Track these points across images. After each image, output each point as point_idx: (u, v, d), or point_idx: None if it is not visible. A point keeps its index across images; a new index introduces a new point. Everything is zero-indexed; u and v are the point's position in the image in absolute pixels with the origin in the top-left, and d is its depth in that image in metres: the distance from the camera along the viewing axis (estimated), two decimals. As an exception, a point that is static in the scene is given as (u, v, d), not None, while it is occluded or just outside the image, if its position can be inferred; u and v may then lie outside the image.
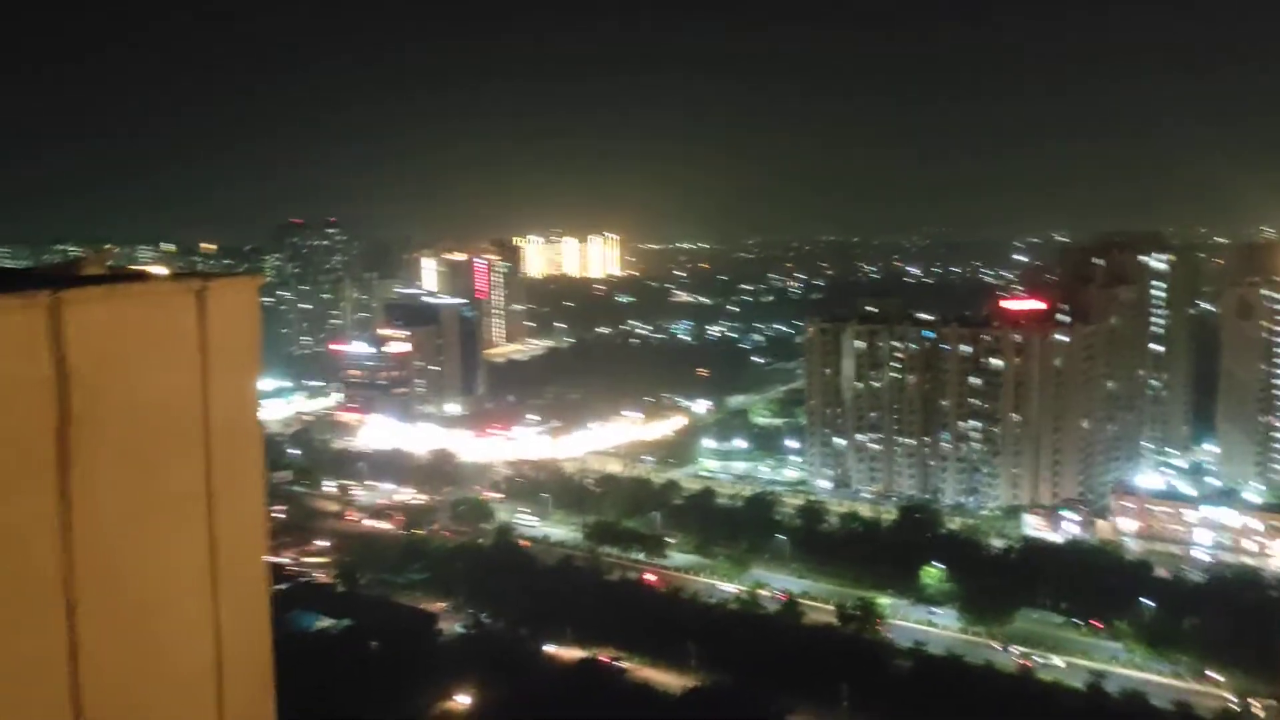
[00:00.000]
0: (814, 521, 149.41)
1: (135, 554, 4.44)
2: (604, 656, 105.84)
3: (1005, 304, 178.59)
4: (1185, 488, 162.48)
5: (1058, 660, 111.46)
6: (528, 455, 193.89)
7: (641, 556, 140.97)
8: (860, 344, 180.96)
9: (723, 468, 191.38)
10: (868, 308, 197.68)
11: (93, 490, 4.27)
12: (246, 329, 4.97)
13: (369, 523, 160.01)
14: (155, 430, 4.51)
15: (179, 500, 4.65)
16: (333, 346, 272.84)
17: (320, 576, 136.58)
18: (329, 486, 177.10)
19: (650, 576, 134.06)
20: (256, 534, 5.03)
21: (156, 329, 4.60)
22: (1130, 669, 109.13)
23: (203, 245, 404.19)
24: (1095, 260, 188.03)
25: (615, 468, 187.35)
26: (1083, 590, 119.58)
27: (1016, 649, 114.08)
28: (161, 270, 5.30)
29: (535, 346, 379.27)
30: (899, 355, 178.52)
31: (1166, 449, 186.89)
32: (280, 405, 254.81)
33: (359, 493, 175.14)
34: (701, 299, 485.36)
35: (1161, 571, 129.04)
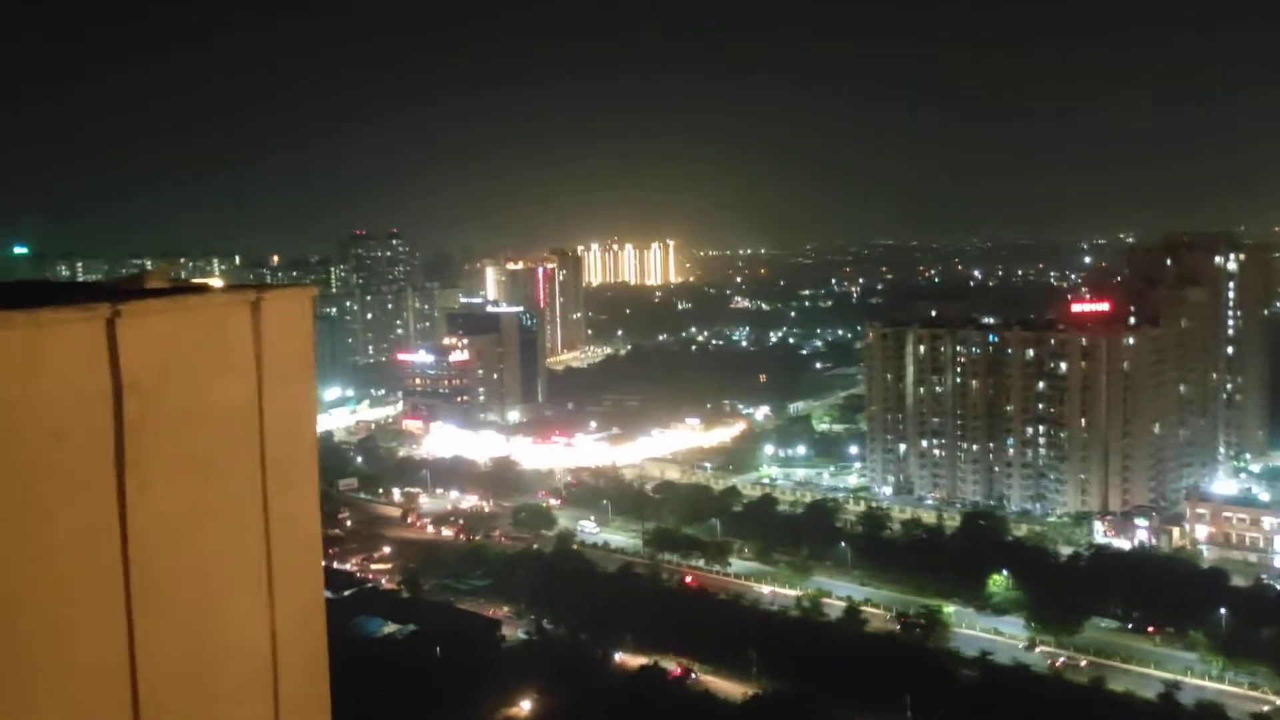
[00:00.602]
0: (876, 528, 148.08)
1: (191, 557, 4.52)
2: (670, 664, 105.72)
3: (1071, 307, 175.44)
4: (1262, 494, 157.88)
5: (1126, 670, 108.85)
6: (587, 462, 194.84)
7: (701, 563, 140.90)
8: (922, 348, 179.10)
9: (783, 474, 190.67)
10: (929, 312, 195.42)
11: (149, 495, 4.34)
12: (301, 338, 5.09)
13: (432, 529, 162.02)
14: (211, 437, 4.60)
15: (234, 504, 4.71)
16: (397, 356, 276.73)
17: (385, 582, 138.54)
18: (394, 494, 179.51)
19: (698, 581, 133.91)
20: (311, 537, 5.13)
21: (212, 339, 4.70)
22: (1206, 680, 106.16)
23: (272, 257, 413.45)
24: (1164, 261, 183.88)
25: (674, 474, 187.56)
26: (1155, 599, 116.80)
27: (1083, 658, 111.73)
28: (219, 283, 5.47)
29: (594, 354, 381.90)
30: (962, 360, 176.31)
31: (1243, 454, 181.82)
32: (345, 414, 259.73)
33: (422, 499, 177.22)
34: (761, 304, 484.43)
35: (1238, 580, 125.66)
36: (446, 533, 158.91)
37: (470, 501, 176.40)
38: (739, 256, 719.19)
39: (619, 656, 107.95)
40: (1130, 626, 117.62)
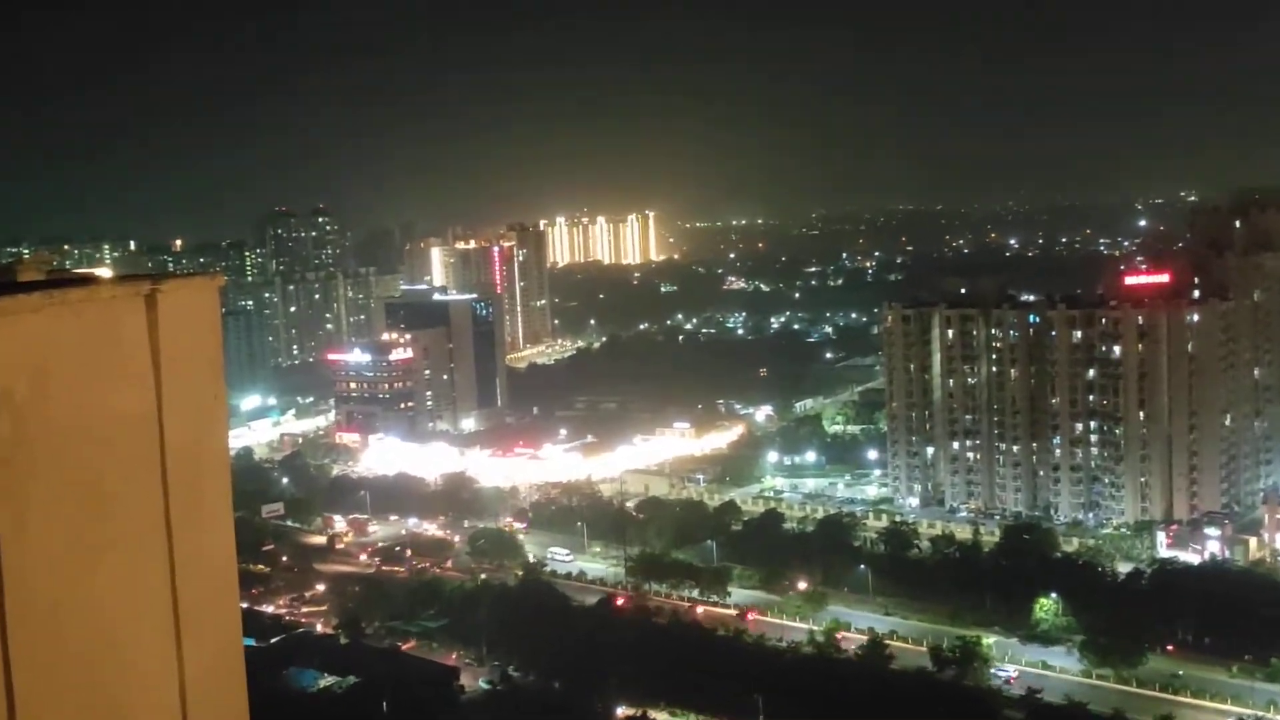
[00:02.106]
0: (901, 547, 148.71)
1: (81, 603, 4.41)
2: (660, 715, 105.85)
3: (1124, 279, 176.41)
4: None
5: (1198, 706, 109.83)
6: (557, 477, 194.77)
7: (696, 593, 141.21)
8: (951, 333, 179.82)
9: (790, 486, 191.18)
10: (958, 289, 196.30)
11: (27, 530, 4.22)
12: (207, 336, 5.03)
13: (375, 561, 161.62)
14: (101, 457, 4.53)
15: (133, 537, 4.67)
16: (327, 355, 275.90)
17: (320, 626, 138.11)
18: (334, 521, 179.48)
19: (692, 615, 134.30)
20: (226, 574, 5.09)
21: (100, 340, 4.63)
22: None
23: (174, 242, 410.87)
24: (1232, 223, 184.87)
25: (661, 489, 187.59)
26: (1231, 621, 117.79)
27: (1148, 693, 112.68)
28: (109, 273, 5.39)
29: (563, 348, 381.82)
30: (998, 345, 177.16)
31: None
32: (266, 426, 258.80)
33: (372, 527, 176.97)
34: (759, 285, 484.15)
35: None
36: (393, 565, 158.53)
37: (419, 527, 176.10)
38: (732, 229, 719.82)
39: (599, 708, 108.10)
40: (1202, 655, 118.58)
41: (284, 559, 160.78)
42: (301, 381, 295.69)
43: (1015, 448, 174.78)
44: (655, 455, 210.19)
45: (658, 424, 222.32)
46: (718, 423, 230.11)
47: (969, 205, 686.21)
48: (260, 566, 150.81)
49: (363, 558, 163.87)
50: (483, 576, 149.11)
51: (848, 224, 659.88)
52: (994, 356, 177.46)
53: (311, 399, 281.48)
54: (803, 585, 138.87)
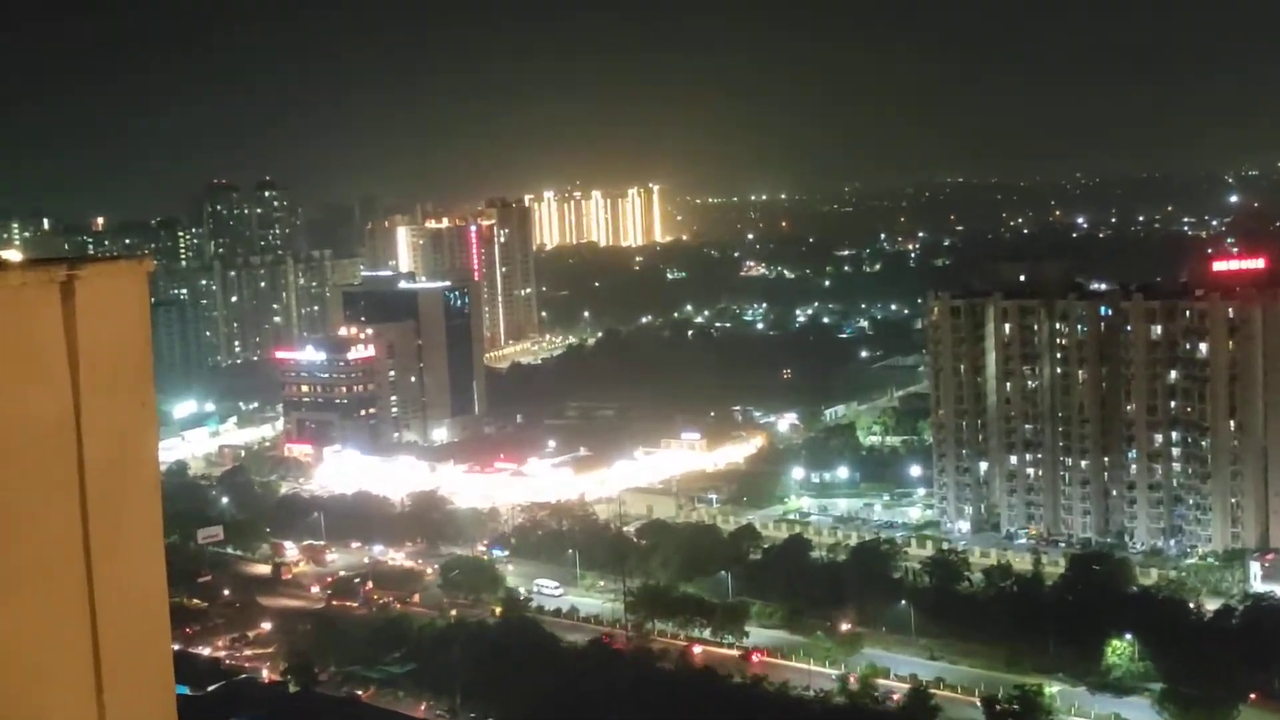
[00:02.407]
0: (949, 579, 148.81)
1: None
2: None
3: (1212, 264, 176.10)
4: None
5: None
6: (545, 496, 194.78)
7: (707, 633, 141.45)
8: (1008, 328, 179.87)
9: (818, 507, 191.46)
10: (1017, 276, 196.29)
11: None
12: (132, 331, 5.00)
13: (329, 596, 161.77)
14: (7, 474, 4.52)
15: (44, 568, 4.64)
16: (275, 354, 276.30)
17: (266, 672, 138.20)
18: (285, 549, 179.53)
19: (702, 658, 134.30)
20: (155, 610, 5.06)
21: (6, 335, 4.61)
22: None
23: (95, 220, 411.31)
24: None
25: (667, 510, 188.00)
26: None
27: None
28: (17, 256, 5.38)
29: (551, 344, 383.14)
30: (1063, 342, 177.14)
31: None
32: (203, 437, 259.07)
33: (318, 555, 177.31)
34: (782, 271, 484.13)
35: None
36: (351, 601, 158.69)
37: (384, 555, 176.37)
38: (751, 205, 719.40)
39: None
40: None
41: (224, 592, 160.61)
42: (244, 384, 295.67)
43: (1084, 463, 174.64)
44: (660, 471, 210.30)
45: (663, 434, 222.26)
46: (733, 433, 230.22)
47: (1029, 177, 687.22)
48: (195, 601, 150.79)
49: (315, 590, 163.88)
50: (456, 613, 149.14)
51: (886, 199, 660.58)
52: (1059, 355, 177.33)
53: (256, 405, 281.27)
54: (834, 624, 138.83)
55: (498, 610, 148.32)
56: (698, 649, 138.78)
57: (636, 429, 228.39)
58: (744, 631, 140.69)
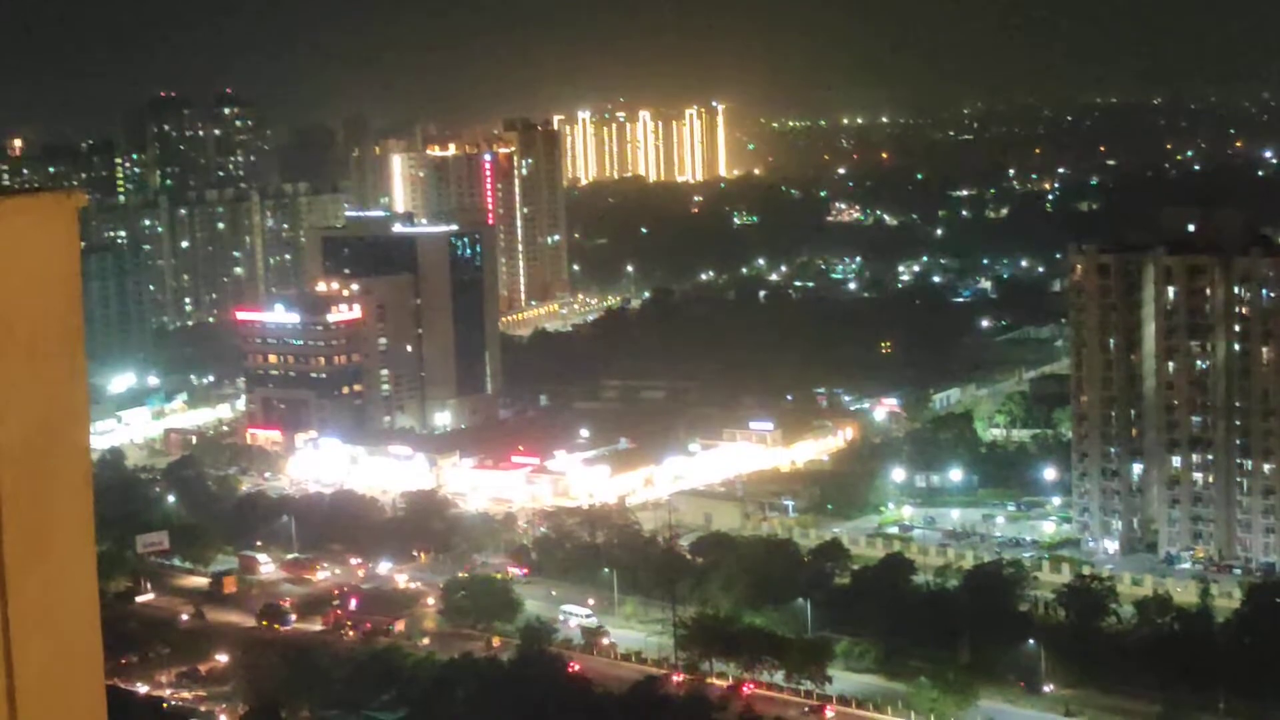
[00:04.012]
0: (1090, 614, 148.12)
1: None
2: None
3: None
4: None
5: None
6: (573, 499, 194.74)
7: (780, 678, 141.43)
8: (1172, 291, 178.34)
9: (924, 519, 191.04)
10: (1184, 224, 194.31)
11: None
12: (57, 284, 5.00)
13: (299, 622, 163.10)
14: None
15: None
16: (236, 315, 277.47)
17: (221, 715, 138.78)
18: (247, 562, 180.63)
19: (773, 707, 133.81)
20: (83, 637, 5.10)
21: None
22: None
23: (12, 142, 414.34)
24: None
25: (730, 520, 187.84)
26: None
27: None
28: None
29: (584, 307, 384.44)
30: (1243, 310, 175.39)
31: None
32: (144, 418, 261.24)
33: (302, 570, 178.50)
34: (881, 215, 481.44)
35: None
36: (326, 628, 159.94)
37: (368, 571, 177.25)
38: (842, 130, 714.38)
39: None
40: None
41: (182, 617, 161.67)
42: (197, 353, 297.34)
43: (1267, 466, 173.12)
44: (722, 470, 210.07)
45: (726, 423, 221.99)
46: (816, 423, 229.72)
47: (1203, 97, 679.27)
48: (132, 625, 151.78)
49: (285, 614, 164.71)
50: (464, 646, 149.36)
51: (1017, 125, 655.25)
52: (1237, 329, 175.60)
53: (211, 379, 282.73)
54: (942, 669, 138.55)
55: (515, 642, 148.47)
56: (766, 696, 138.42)
57: (692, 416, 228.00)
58: (826, 676, 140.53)
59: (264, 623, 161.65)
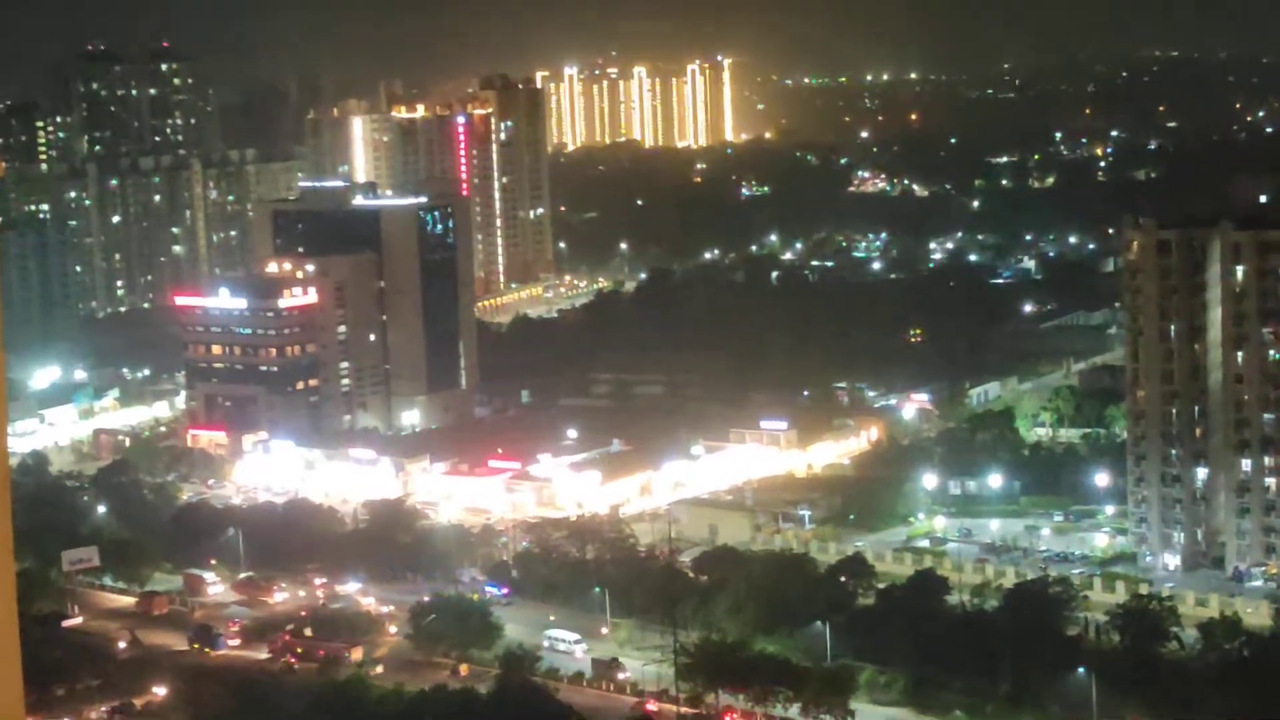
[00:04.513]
0: (1148, 638, 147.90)
1: None
2: None
3: None
4: None
5: None
6: (559, 509, 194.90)
7: (795, 711, 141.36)
8: (1242, 271, 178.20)
9: (958, 530, 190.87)
10: (1255, 195, 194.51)
11: None
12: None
13: (244, 648, 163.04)
14: None
15: None
16: (174, 299, 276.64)
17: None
18: (192, 581, 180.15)
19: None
20: (0, 661, 5.18)
21: None
22: None
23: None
24: None
25: (739, 533, 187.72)
26: None
27: None
28: None
29: (571, 291, 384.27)
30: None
31: None
32: (71, 417, 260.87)
33: (257, 592, 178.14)
34: (910, 185, 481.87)
35: None
36: (275, 656, 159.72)
37: (326, 592, 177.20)
38: (866, 89, 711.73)
39: None
40: None
41: (120, 645, 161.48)
42: (130, 343, 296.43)
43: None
44: (728, 476, 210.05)
45: (733, 422, 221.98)
46: (836, 422, 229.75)
47: (1276, 51, 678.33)
48: (57, 653, 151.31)
49: (232, 643, 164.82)
50: (435, 676, 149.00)
51: (1065, 82, 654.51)
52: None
53: (147, 373, 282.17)
54: (980, 701, 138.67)
55: (494, 672, 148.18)
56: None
57: (695, 414, 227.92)
58: (848, 709, 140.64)
59: (194, 645, 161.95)
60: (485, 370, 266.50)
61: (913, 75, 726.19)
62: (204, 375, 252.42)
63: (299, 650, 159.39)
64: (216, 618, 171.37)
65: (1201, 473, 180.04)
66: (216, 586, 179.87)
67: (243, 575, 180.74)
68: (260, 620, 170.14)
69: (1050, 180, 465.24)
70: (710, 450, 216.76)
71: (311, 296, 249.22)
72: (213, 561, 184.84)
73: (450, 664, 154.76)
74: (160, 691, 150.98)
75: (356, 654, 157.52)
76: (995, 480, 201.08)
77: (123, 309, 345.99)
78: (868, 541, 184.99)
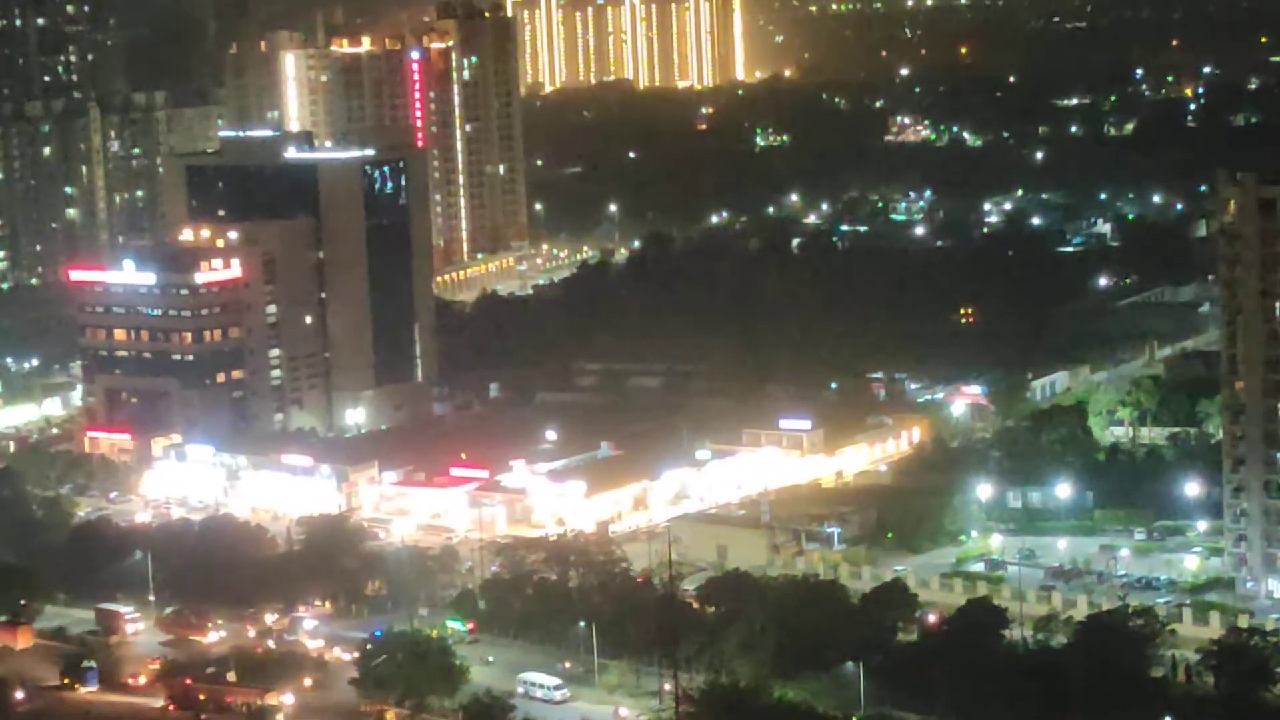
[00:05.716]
0: (1249, 680, 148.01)
1: None
2: None
3: None
4: None
5: None
6: (538, 528, 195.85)
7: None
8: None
9: (1019, 551, 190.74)
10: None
11: None
12: None
13: (148, 693, 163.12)
14: None
15: None
16: (68, 273, 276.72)
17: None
18: (109, 619, 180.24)
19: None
20: None
21: None
22: None
23: None
24: None
25: (753, 555, 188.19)
26: None
27: None
28: None
29: (554, 262, 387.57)
30: None
31: None
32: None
33: (189, 628, 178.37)
34: (961, 135, 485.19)
35: None
36: (191, 709, 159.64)
37: (254, 628, 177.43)
38: (906, 15, 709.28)
39: None
40: None
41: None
42: (16, 327, 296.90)
43: None
44: (740, 486, 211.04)
45: (746, 421, 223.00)
46: (870, 420, 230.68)
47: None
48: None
49: (137, 685, 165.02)
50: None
51: (1147, 8, 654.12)
52: None
53: (35, 363, 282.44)
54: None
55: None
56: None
57: (700, 411, 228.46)
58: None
59: (65, 680, 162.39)
60: (446, 358, 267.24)
61: (963, 0, 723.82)
62: (105, 366, 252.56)
63: (201, 697, 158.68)
64: (130, 658, 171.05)
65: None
66: (137, 624, 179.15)
67: (169, 610, 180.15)
68: (182, 663, 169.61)
69: (1129, 127, 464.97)
70: (719, 455, 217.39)
71: (235, 270, 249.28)
72: (117, 595, 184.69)
73: (405, 714, 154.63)
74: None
75: (271, 699, 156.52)
76: (1063, 490, 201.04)
77: (5, 285, 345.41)
78: (910, 565, 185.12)
